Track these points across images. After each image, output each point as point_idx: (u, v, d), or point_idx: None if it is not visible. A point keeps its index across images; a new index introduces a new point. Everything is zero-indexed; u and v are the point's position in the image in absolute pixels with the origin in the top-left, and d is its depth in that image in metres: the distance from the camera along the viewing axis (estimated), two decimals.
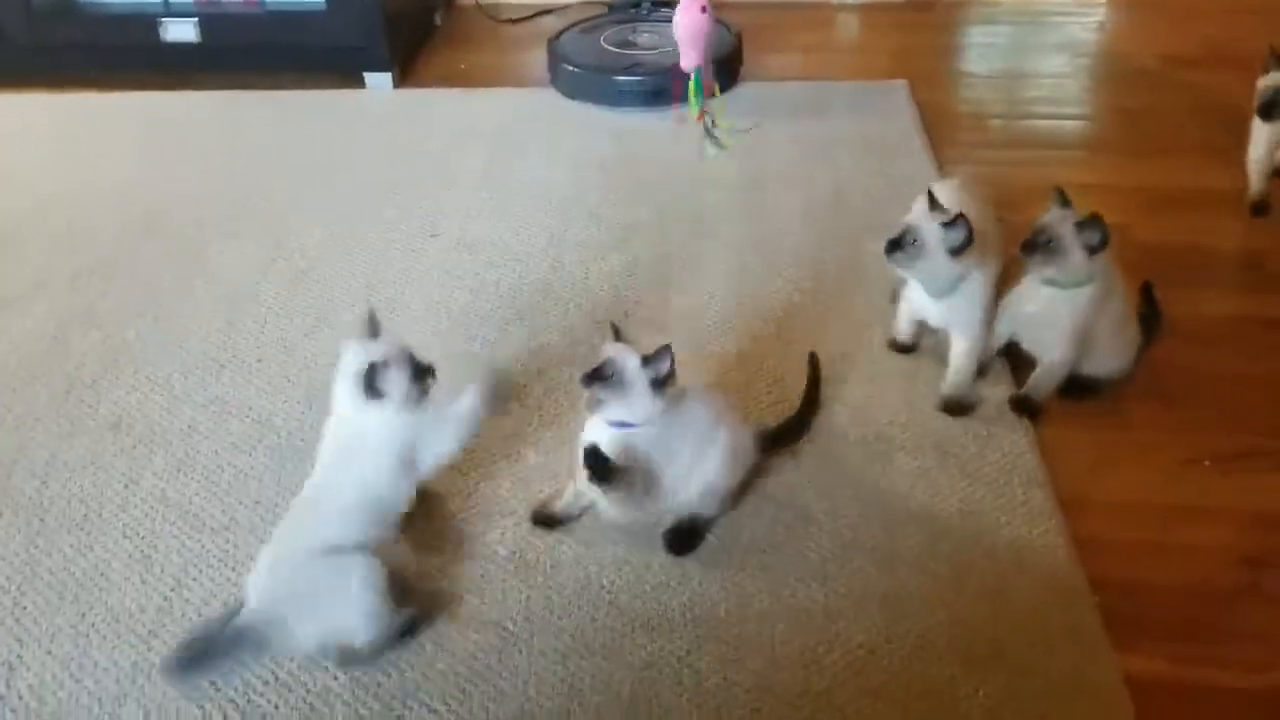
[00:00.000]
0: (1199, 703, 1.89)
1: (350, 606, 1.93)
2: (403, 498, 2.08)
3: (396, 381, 1.98)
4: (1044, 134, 3.85)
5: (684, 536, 2.17)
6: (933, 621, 2.01)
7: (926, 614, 2.03)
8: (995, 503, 2.25)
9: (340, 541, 1.96)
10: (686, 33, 3.47)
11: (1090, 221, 2.26)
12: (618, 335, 2.09)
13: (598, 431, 2.03)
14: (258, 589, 1.93)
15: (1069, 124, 3.94)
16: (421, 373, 2.03)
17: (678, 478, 2.09)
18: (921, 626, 2.00)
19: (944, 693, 1.89)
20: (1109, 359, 2.47)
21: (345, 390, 2.02)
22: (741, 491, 2.25)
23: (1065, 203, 2.34)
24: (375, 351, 2.00)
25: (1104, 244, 2.26)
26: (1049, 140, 3.80)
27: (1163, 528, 2.21)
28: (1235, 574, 2.11)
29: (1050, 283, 2.33)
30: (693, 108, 3.57)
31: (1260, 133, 3.02)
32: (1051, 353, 2.41)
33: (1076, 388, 2.48)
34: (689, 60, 3.50)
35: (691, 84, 3.55)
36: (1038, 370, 2.45)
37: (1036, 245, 2.29)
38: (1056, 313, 2.35)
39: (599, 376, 1.99)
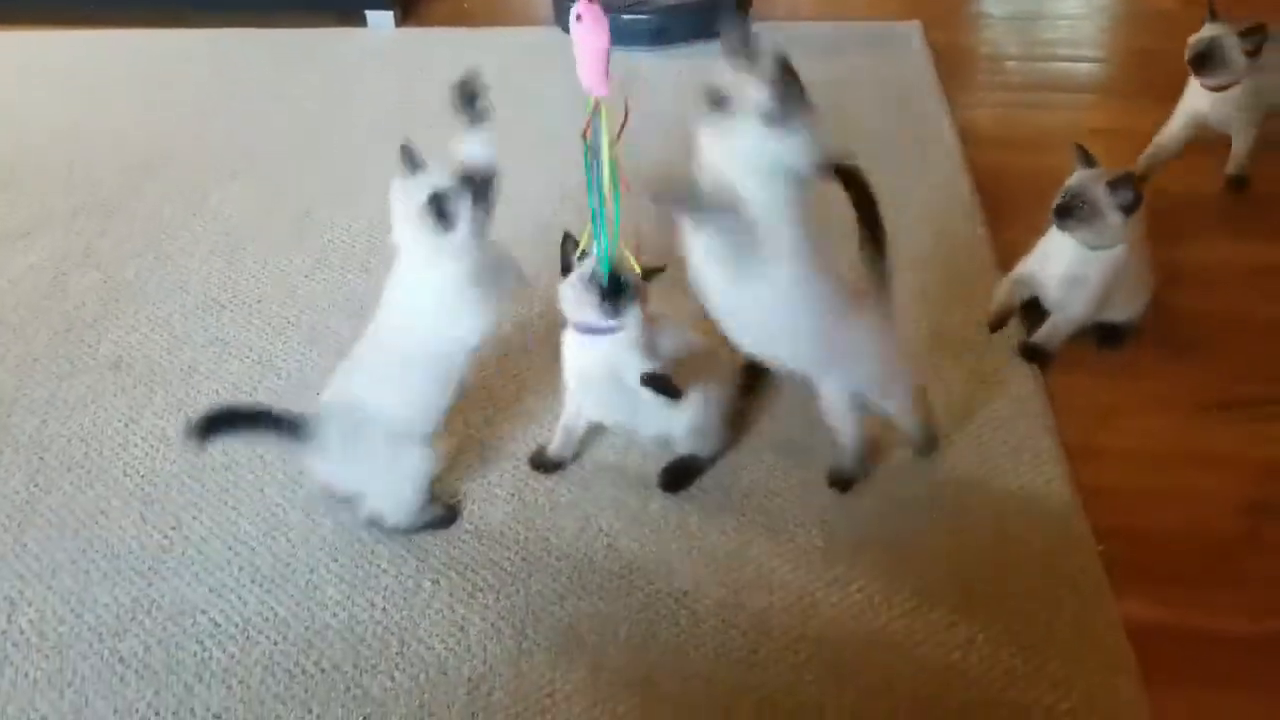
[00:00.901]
0: (1200, 649, 1.88)
1: (390, 492, 2.04)
2: (476, 339, 2.07)
3: (463, 205, 1.95)
4: (1060, 76, 3.78)
5: (678, 474, 2.17)
6: (933, 567, 2.00)
7: (927, 560, 2.02)
8: (1001, 450, 2.23)
9: (409, 423, 2.01)
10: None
11: (1122, 181, 2.22)
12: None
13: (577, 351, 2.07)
14: (329, 414, 2.02)
15: (1085, 66, 3.88)
16: (483, 191, 2.00)
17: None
18: (922, 572, 2.00)
19: (943, 638, 1.89)
20: (1129, 306, 2.44)
21: (408, 230, 1.99)
22: (739, 432, 2.24)
23: (1089, 161, 2.30)
24: (430, 181, 1.99)
25: (1138, 203, 2.22)
26: (1065, 83, 3.74)
27: (1168, 475, 2.19)
28: (1239, 521, 2.10)
29: (1083, 244, 2.29)
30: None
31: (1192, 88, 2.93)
32: (1073, 309, 2.38)
33: (1112, 336, 2.46)
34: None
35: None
36: (1052, 320, 2.41)
37: (1071, 211, 2.25)
38: (1086, 273, 2.31)
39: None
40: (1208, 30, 2.77)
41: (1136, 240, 2.31)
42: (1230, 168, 2.97)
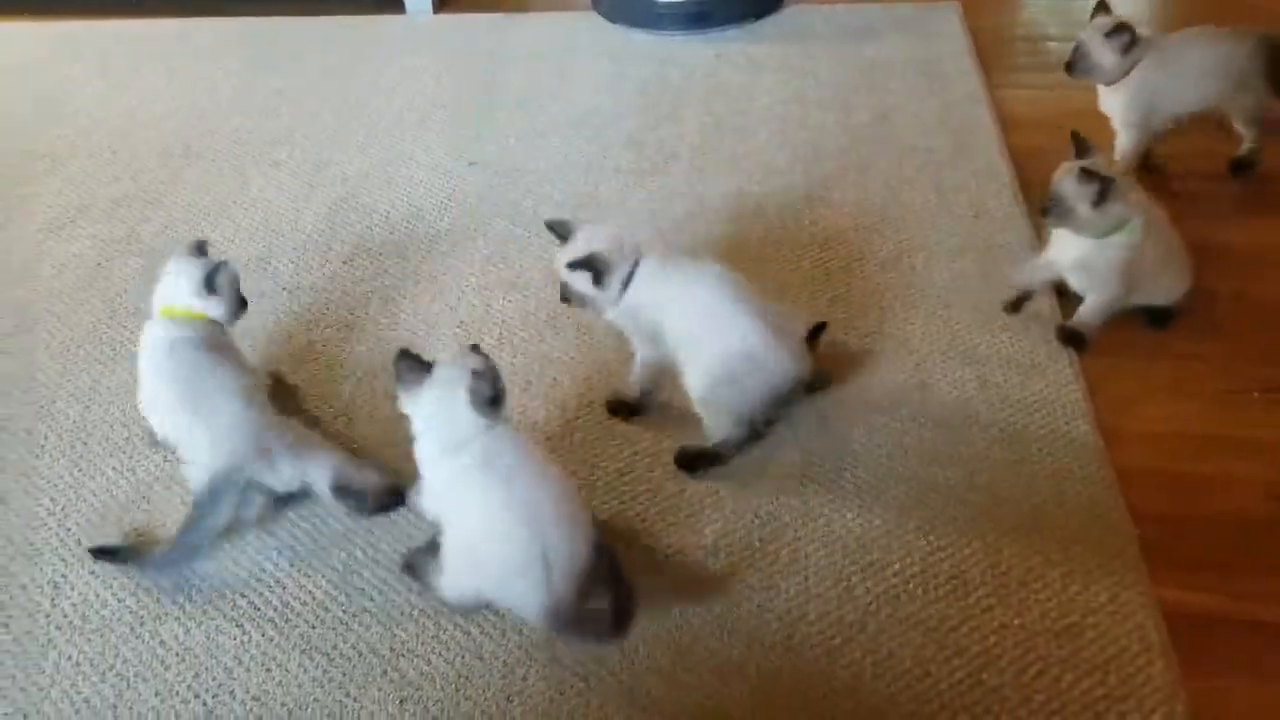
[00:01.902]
0: (1234, 635, 1.85)
1: None
2: None
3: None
4: None
5: (691, 458, 2.18)
6: (969, 552, 1.99)
7: (963, 544, 2.00)
8: (1036, 434, 2.21)
9: None
10: None
11: (1087, 174, 2.19)
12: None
13: None
14: None
15: None
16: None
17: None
18: (957, 557, 1.98)
19: (978, 623, 1.87)
20: (1172, 288, 2.41)
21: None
22: (769, 422, 2.22)
23: (1083, 149, 2.28)
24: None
25: (1103, 197, 2.18)
26: None
27: (1201, 459, 2.16)
28: (1272, 506, 2.06)
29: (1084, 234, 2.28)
30: None
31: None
32: (1096, 293, 2.36)
33: (1159, 318, 2.44)
34: None
35: None
36: (1085, 305, 2.39)
37: (1047, 209, 2.28)
38: (1096, 259, 2.29)
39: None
40: (1086, 31, 2.73)
41: (1150, 226, 2.27)
42: (1118, 162, 2.82)
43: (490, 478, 1.79)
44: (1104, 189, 2.18)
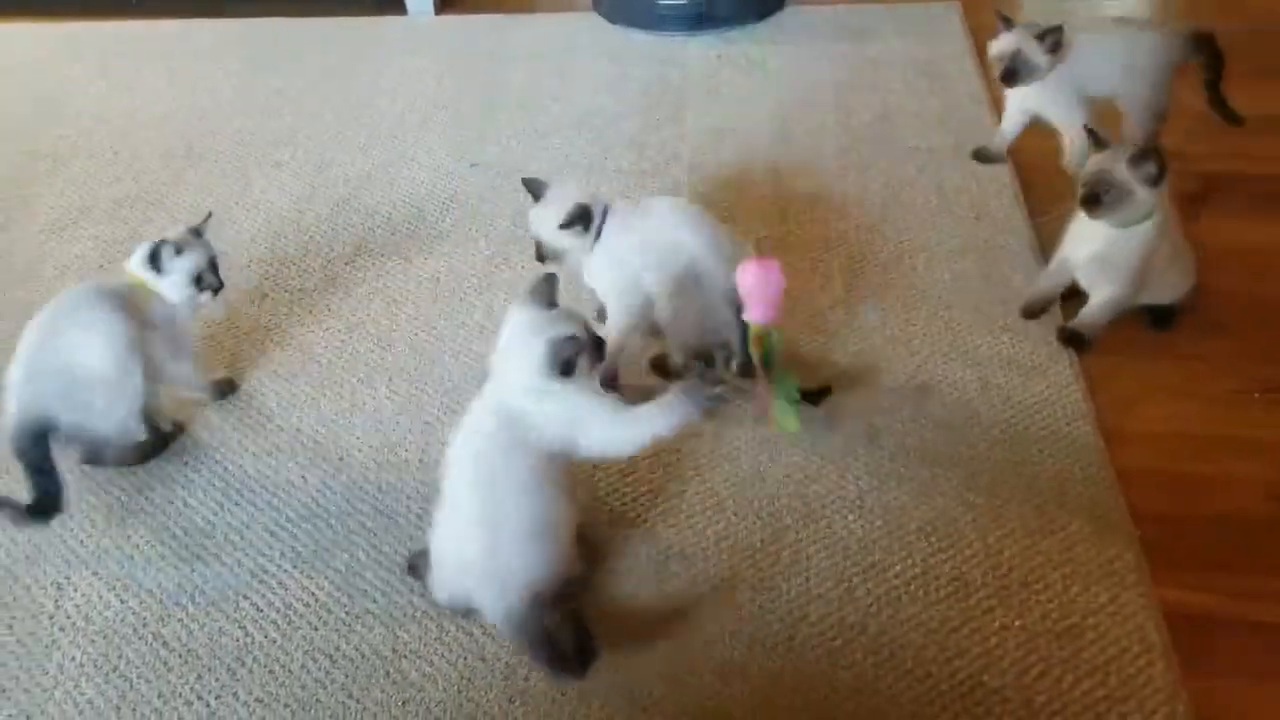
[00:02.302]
0: (1237, 637, 1.86)
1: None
2: None
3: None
4: None
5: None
6: (970, 554, 1.99)
7: (964, 546, 2.01)
8: (1038, 435, 2.21)
9: None
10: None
11: (1142, 155, 2.18)
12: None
13: None
14: None
15: None
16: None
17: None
18: (959, 558, 1.99)
19: (979, 624, 1.88)
20: (1176, 287, 2.41)
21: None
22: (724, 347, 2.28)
23: (1100, 143, 2.27)
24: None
25: (1163, 174, 2.18)
26: None
27: (1202, 459, 2.17)
28: (1273, 507, 2.07)
29: (1112, 224, 2.26)
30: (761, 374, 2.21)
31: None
32: (1109, 289, 2.34)
33: (1162, 317, 2.44)
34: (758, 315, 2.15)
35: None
36: (1090, 304, 2.38)
37: (1098, 197, 2.21)
38: (1119, 252, 2.27)
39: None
40: (1007, 41, 2.74)
41: (1165, 220, 2.27)
42: (1071, 165, 2.86)
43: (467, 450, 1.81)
44: (1161, 167, 2.17)
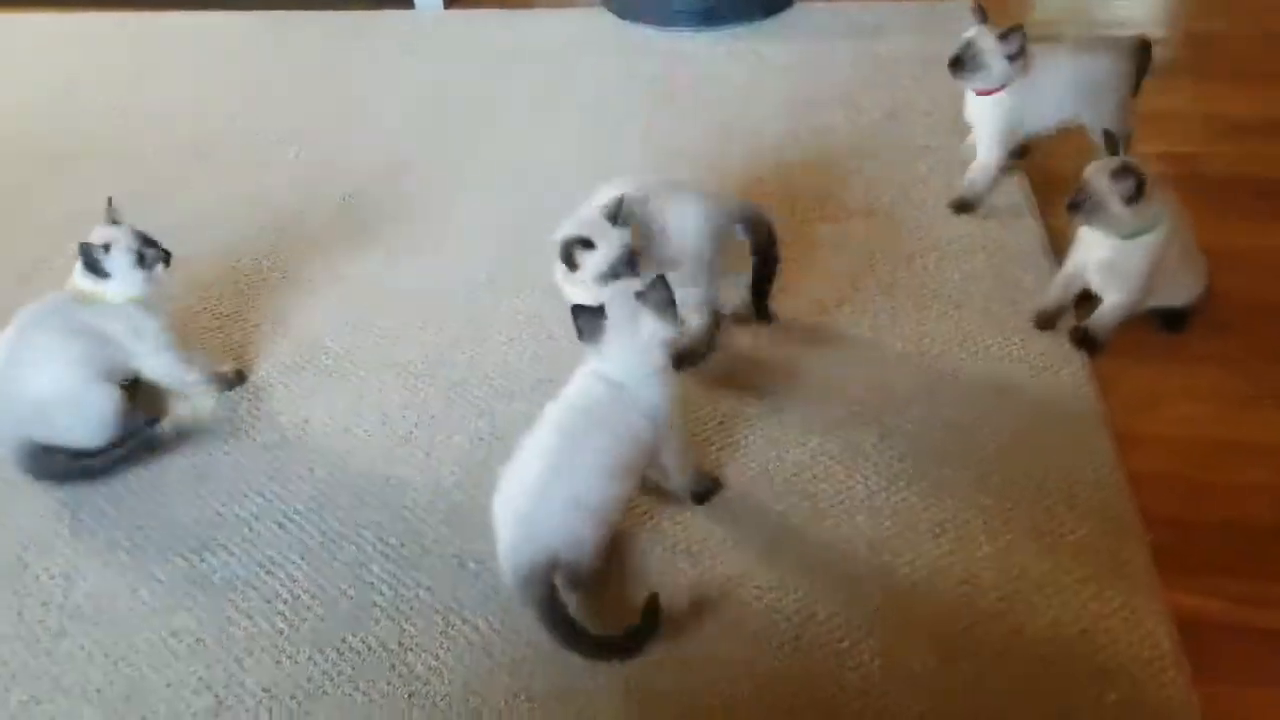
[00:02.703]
0: (1246, 641, 1.85)
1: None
2: None
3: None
4: None
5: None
6: (980, 555, 1.99)
7: (973, 548, 2.00)
8: (1048, 437, 2.20)
9: None
10: None
11: (1122, 171, 2.16)
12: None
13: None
14: None
15: None
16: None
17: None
18: (968, 560, 1.98)
19: (989, 628, 1.87)
20: (1182, 289, 2.40)
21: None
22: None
23: (1114, 148, 2.26)
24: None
25: (1139, 194, 2.16)
26: None
27: (1214, 464, 2.16)
28: None
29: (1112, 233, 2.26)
30: None
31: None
32: (1119, 294, 2.34)
33: (1171, 320, 2.43)
34: None
35: None
36: (1102, 307, 2.38)
37: (1079, 205, 2.23)
38: (1127, 258, 2.26)
39: None
40: (967, 32, 2.68)
41: (1175, 226, 2.26)
42: (964, 188, 2.85)
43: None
44: (1139, 186, 2.16)
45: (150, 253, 2.26)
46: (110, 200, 2.33)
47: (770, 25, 3.89)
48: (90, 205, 3.10)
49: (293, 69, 3.82)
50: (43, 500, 2.22)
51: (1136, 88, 2.76)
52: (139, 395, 2.37)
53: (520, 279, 2.72)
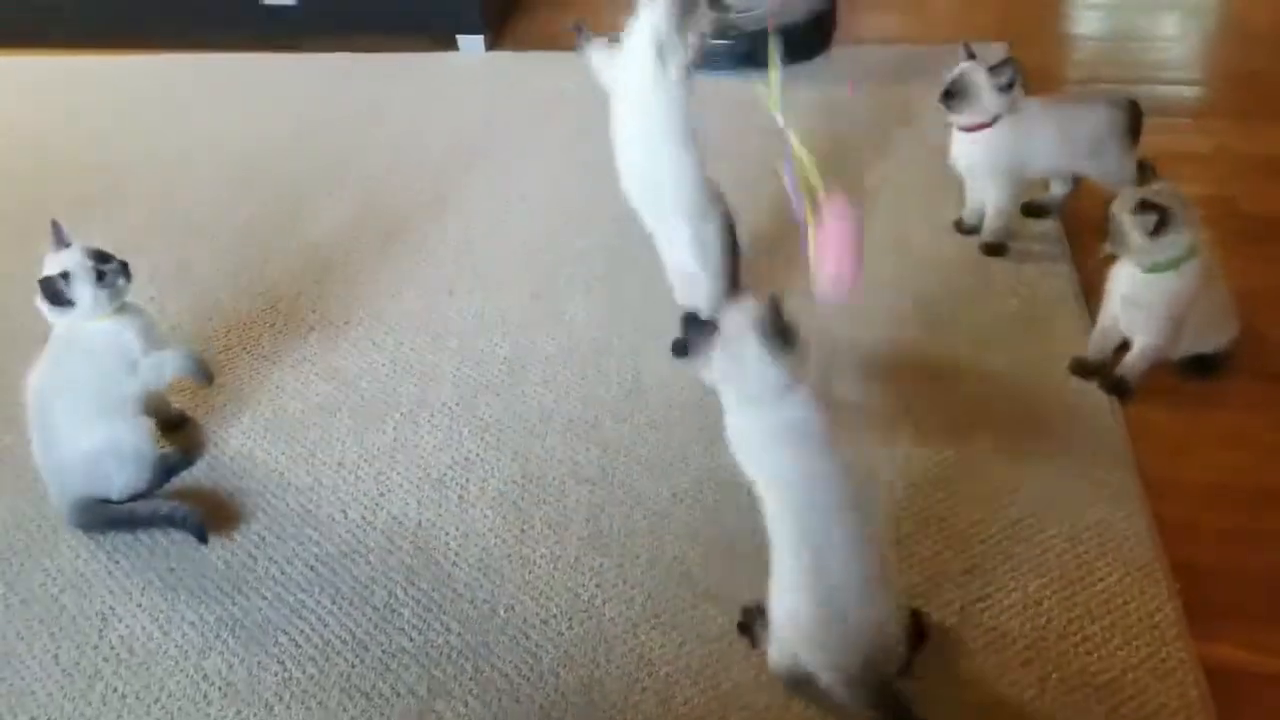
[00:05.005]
0: (1276, 693, 1.83)
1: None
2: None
3: None
4: (1152, 100, 3.68)
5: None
6: (1008, 603, 1.98)
7: (1002, 596, 1.99)
8: (1079, 483, 2.19)
9: None
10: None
11: (1146, 206, 2.14)
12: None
13: None
14: None
15: (1177, 89, 3.78)
16: None
17: None
18: (996, 608, 1.97)
19: (1016, 677, 1.86)
20: (1215, 336, 2.38)
21: None
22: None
23: (1146, 178, 2.23)
24: None
25: (1161, 227, 2.13)
26: (1158, 106, 3.63)
27: (1247, 512, 2.13)
28: None
29: (1137, 266, 2.24)
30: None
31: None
32: (1145, 335, 2.32)
33: (1203, 366, 2.41)
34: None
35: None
36: (1132, 351, 2.36)
37: (1109, 233, 2.23)
38: (1149, 295, 2.25)
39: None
40: (958, 68, 2.67)
41: (1201, 268, 2.23)
42: (983, 233, 2.85)
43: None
44: (1162, 219, 2.14)
45: (108, 268, 2.22)
46: (55, 222, 2.27)
47: (805, 68, 3.89)
48: (135, 240, 3.18)
49: (339, 110, 3.87)
50: (81, 541, 2.26)
51: (1134, 141, 2.73)
52: (175, 435, 2.44)
53: (556, 321, 2.74)
